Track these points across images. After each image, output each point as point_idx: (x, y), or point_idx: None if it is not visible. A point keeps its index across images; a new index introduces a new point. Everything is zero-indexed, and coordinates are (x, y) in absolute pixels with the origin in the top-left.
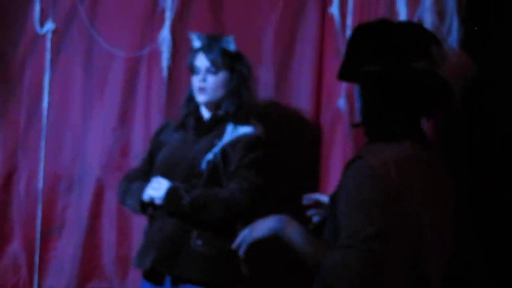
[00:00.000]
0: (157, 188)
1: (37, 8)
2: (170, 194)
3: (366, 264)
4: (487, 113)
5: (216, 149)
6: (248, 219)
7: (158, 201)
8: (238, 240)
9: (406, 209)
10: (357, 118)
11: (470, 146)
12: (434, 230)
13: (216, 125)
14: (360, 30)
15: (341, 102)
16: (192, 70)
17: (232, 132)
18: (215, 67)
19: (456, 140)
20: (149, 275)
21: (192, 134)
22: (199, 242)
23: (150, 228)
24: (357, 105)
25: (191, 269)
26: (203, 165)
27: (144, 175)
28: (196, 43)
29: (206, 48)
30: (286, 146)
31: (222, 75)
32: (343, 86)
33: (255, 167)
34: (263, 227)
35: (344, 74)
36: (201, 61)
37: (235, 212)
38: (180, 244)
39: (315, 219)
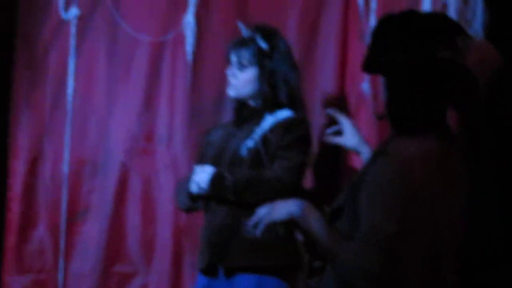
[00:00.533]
0: (201, 174)
1: None
2: (214, 177)
3: (384, 263)
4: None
5: (256, 135)
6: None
7: (203, 186)
8: (254, 219)
9: (428, 210)
10: (382, 107)
11: (494, 140)
12: (451, 228)
13: (254, 115)
14: (384, 21)
15: (365, 86)
16: (228, 61)
17: (271, 118)
18: (241, 64)
19: (481, 134)
20: (203, 269)
21: (232, 126)
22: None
23: (203, 226)
24: (383, 97)
25: (244, 258)
26: (244, 151)
27: None
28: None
29: (236, 44)
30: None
31: (250, 72)
32: (382, 79)
33: (295, 147)
34: (282, 210)
35: (369, 65)
36: (233, 56)
37: (279, 191)
38: (231, 234)
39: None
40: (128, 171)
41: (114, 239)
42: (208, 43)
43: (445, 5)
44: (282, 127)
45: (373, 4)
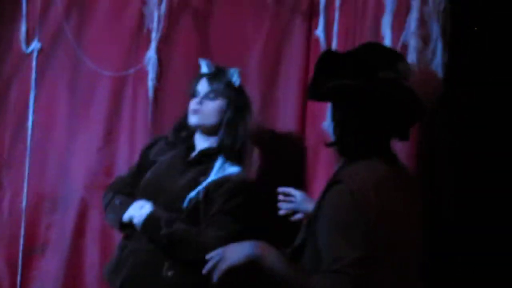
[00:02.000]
0: (138, 211)
1: (23, 27)
2: (150, 221)
3: (355, 286)
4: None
5: (200, 187)
6: None
7: (136, 222)
8: (209, 265)
9: (387, 230)
10: (329, 138)
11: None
12: (411, 243)
13: (206, 158)
14: (327, 52)
15: (326, 124)
16: (192, 94)
17: (219, 170)
18: (214, 94)
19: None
20: None
21: (181, 164)
22: (170, 272)
23: (124, 247)
24: (329, 126)
25: None
26: (185, 202)
27: (130, 187)
28: (204, 69)
29: (211, 75)
30: (270, 164)
31: (219, 103)
32: (328, 108)
33: (234, 214)
34: (238, 253)
35: (314, 92)
36: (202, 86)
37: (203, 257)
38: (151, 271)
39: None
40: (88, 206)
41: (72, 274)
42: (170, 79)
43: (405, 45)
44: (228, 188)
45: (334, 44)
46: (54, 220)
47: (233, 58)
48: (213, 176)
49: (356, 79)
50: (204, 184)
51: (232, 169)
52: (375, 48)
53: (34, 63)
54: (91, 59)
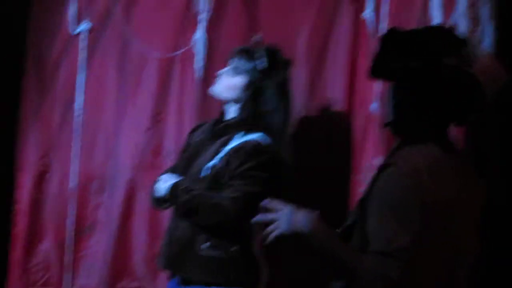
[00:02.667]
0: (164, 183)
1: (73, 7)
2: (172, 190)
3: (403, 273)
4: None
5: (220, 155)
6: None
7: (160, 194)
8: (267, 230)
9: (440, 216)
10: (387, 118)
11: (502, 151)
12: (465, 234)
13: (228, 131)
14: (392, 31)
15: (374, 106)
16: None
17: (239, 138)
18: (235, 70)
19: (488, 145)
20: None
21: (207, 138)
22: (206, 245)
23: (168, 227)
24: (388, 106)
25: (198, 272)
26: (206, 170)
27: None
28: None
29: (240, 52)
30: (318, 148)
31: (238, 80)
32: (376, 90)
33: (248, 176)
34: (291, 223)
35: (376, 71)
36: (231, 61)
37: (221, 219)
38: (188, 246)
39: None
40: (136, 187)
41: (120, 254)
42: (217, 60)
43: (455, 25)
44: (244, 151)
45: (383, 25)
46: (102, 201)
47: (282, 39)
48: (233, 143)
49: (421, 62)
50: (224, 151)
51: (252, 136)
52: (442, 31)
53: (83, 44)
54: (140, 40)
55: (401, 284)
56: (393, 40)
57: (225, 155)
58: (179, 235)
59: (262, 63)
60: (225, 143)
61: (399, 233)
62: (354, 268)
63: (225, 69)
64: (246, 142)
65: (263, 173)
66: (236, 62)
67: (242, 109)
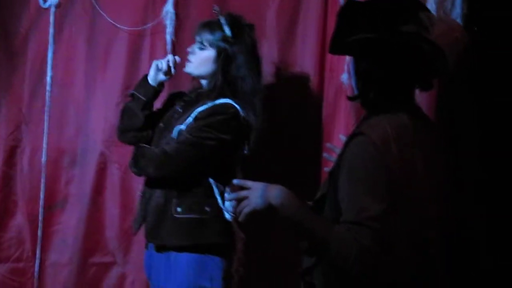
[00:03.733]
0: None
1: None
2: (134, 150)
3: (376, 242)
4: (490, 86)
5: (190, 119)
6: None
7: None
8: (239, 206)
9: (409, 182)
10: (353, 92)
11: (476, 118)
12: (431, 198)
13: (200, 98)
14: (348, 3)
15: (344, 77)
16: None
17: (209, 103)
18: (202, 44)
19: (462, 113)
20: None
21: (180, 107)
22: (179, 209)
23: (142, 195)
24: (352, 80)
25: (173, 236)
26: (175, 134)
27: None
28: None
29: (203, 26)
30: (289, 120)
31: (207, 53)
32: (346, 61)
33: (203, 129)
34: (261, 198)
35: (335, 47)
36: (197, 36)
37: (163, 164)
38: (163, 212)
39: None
40: (107, 161)
41: (92, 229)
42: (187, 32)
43: None
44: (206, 112)
45: None
46: (73, 176)
47: (250, 11)
48: (203, 107)
49: (379, 32)
50: (193, 114)
51: (221, 101)
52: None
53: (52, 18)
54: (109, 13)
55: (374, 251)
56: (350, 13)
57: (194, 117)
58: (153, 204)
59: (225, 31)
60: (196, 108)
61: (370, 203)
62: (326, 238)
63: (193, 46)
64: (212, 105)
65: (217, 132)
66: (201, 37)
67: (213, 78)
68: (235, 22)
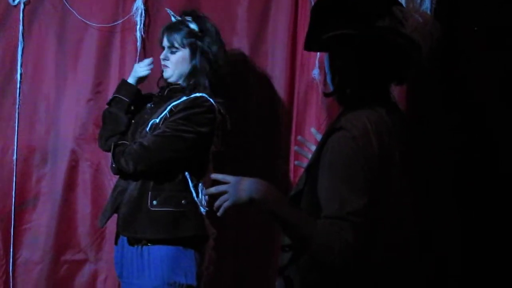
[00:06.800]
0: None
1: None
2: (112, 148)
3: (358, 236)
4: (460, 80)
5: (164, 112)
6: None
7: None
8: (219, 200)
9: (388, 176)
10: (328, 88)
11: (445, 113)
12: (405, 187)
13: (174, 94)
14: (321, 0)
15: (315, 73)
16: (161, 46)
17: (183, 97)
18: (174, 47)
19: (430, 107)
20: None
21: (151, 104)
22: (155, 202)
23: (115, 187)
24: (328, 76)
25: (148, 229)
26: (148, 127)
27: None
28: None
29: (168, 29)
30: (260, 114)
31: (181, 54)
32: (317, 57)
33: (177, 122)
34: (241, 192)
35: (310, 44)
36: (165, 41)
37: (141, 156)
38: (138, 205)
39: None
40: (78, 158)
41: (64, 227)
42: (157, 29)
43: None
44: (183, 105)
45: None
46: (44, 173)
47: (221, 7)
48: (177, 101)
49: (353, 28)
50: (168, 108)
51: (195, 94)
52: None
53: (21, 15)
54: (79, 10)
55: (357, 246)
56: (323, 9)
57: (169, 110)
58: (127, 197)
59: (192, 27)
60: (170, 103)
61: (352, 197)
62: (310, 233)
63: (163, 52)
64: (187, 99)
65: (192, 124)
66: (170, 41)
67: (192, 75)
68: (195, 16)
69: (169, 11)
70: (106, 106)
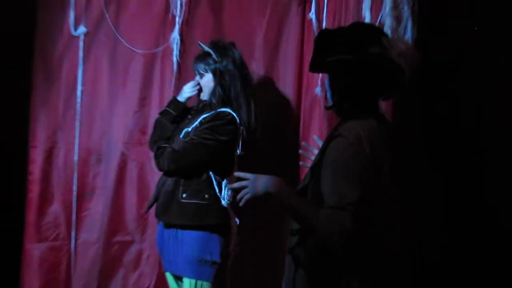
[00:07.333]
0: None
1: (71, 14)
2: (155, 150)
3: (355, 222)
4: (437, 96)
5: (196, 123)
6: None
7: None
8: (241, 194)
9: (378, 175)
10: (329, 102)
11: (424, 123)
12: (390, 183)
13: (203, 109)
14: (323, 31)
15: (318, 90)
16: (195, 73)
17: (211, 112)
18: (199, 74)
19: (412, 119)
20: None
21: (190, 115)
22: (184, 195)
23: (157, 185)
24: (328, 93)
25: (178, 217)
26: (182, 134)
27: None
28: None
29: (196, 59)
30: (273, 125)
31: (207, 77)
32: (319, 77)
33: (203, 131)
34: (259, 187)
35: (314, 66)
36: (195, 68)
37: (175, 159)
38: (172, 196)
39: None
40: (126, 159)
41: (115, 214)
42: (190, 55)
43: (381, 24)
44: (209, 118)
45: (324, 24)
46: (99, 171)
47: (242, 37)
48: (207, 114)
49: (350, 54)
50: (198, 120)
51: (221, 109)
52: (363, 26)
53: (81, 43)
54: (127, 39)
55: (353, 231)
56: (325, 39)
57: (199, 122)
58: (165, 189)
59: (212, 55)
60: (201, 116)
61: (350, 191)
62: (312, 220)
63: (196, 78)
64: (213, 113)
65: (215, 133)
66: (197, 69)
67: (214, 93)
68: (216, 45)
69: (199, 42)
70: (158, 115)
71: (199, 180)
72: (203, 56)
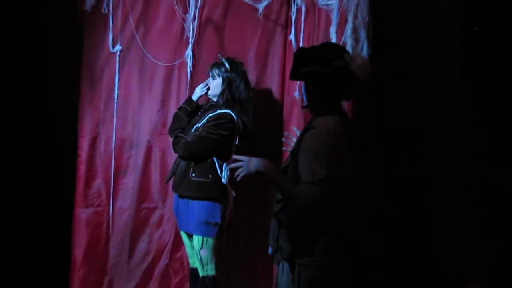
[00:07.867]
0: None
1: (110, 35)
2: (174, 138)
3: (323, 194)
4: (386, 99)
5: (204, 120)
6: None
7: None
8: (237, 172)
9: (342, 157)
10: (304, 103)
11: (378, 122)
12: (350, 167)
13: (211, 108)
14: (300, 49)
15: (296, 94)
16: (209, 75)
17: (216, 111)
18: (213, 76)
19: (367, 116)
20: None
21: (200, 113)
22: (194, 174)
23: (173, 165)
24: (304, 96)
25: (189, 190)
26: (193, 129)
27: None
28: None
29: (213, 65)
30: (262, 121)
31: (217, 81)
32: (298, 84)
33: (209, 127)
34: (252, 166)
35: (293, 75)
36: (210, 72)
37: (188, 149)
38: (184, 174)
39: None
40: (152, 146)
41: (143, 187)
42: (200, 67)
43: (344, 43)
44: (213, 116)
45: (301, 44)
46: (131, 155)
47: (239, 53)
48: (212, 113)
49: (319, 66)
50: (206, 117)
51: (224, 110)
52: (330, 45)
53: (117, 58)
54: (152, 54)
55: (322, 201)
56: (301, 55)
57: (206, 119)
58: (179, 169)
59: (226, 65)
60: (208, 114)
61: (320, 170)
62: (292, 193)
63: (208, 79)
64: (217, 112)
65: (218, 129)
66: (212, 72)
67: (221, 96)
68: (231, 60)
69: (219, 55)
70: (176, 110)
71: (205, 163)
72: (219, 64)
